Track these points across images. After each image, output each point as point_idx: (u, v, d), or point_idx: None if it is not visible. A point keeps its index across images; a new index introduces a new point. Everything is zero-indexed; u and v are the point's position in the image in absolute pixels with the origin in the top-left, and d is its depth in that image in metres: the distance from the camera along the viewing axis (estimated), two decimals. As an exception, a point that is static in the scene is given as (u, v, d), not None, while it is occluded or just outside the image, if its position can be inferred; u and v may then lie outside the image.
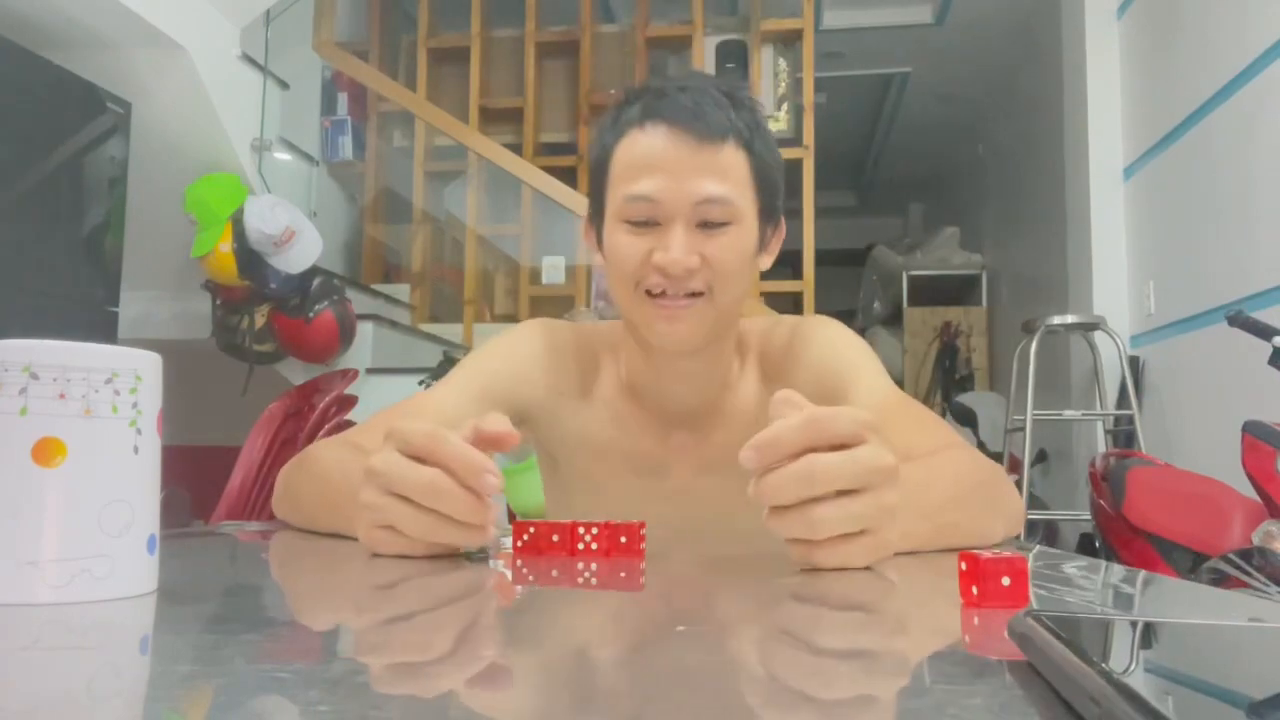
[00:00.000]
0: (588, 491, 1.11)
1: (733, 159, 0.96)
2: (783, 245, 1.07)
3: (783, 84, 4.17)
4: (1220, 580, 1.99)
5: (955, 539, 0.73)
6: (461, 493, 0.62)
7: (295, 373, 3.38)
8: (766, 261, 1.05)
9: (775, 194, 1.02)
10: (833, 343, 1.06)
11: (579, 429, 1.08)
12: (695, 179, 0.95)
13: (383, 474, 0.64)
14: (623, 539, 0.66)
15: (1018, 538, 0.85)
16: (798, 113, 4.04)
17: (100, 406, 0.44)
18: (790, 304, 4.39)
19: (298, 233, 3.16)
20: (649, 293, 0.97)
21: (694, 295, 0.96)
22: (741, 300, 1.02)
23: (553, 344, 1.08)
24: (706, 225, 0.96)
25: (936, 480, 0.78)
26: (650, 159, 0.96)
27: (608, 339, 1.12)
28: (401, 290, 4.13)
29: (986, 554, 0.48)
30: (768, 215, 1.02)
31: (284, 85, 3.62)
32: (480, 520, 0.63)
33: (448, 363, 3.25)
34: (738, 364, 1.09)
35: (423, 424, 0.64)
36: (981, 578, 0.47)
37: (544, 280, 4.09)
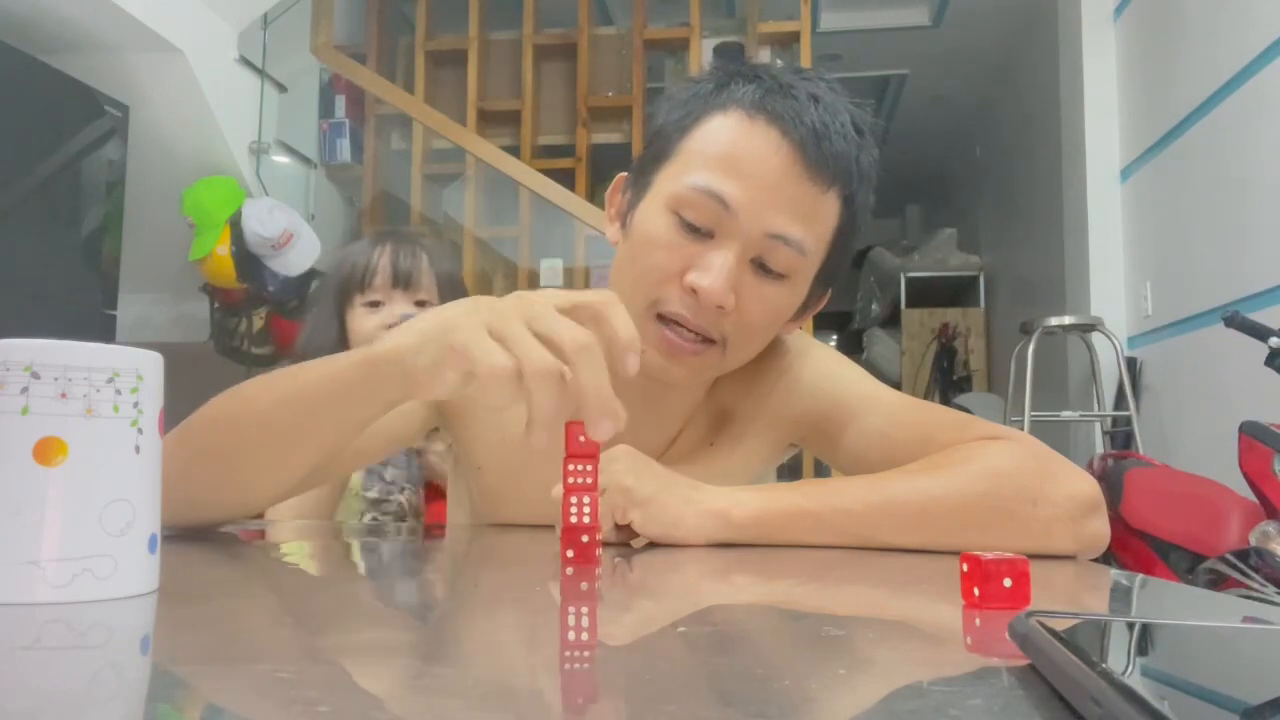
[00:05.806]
0: (514, 500, 0.94)
1: (829, 208, 0.82)
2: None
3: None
4: (1218, 581, 2.00)
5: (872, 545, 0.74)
6: (604, 368, 0.57)
7: (293, 375, 3.38)
8: (792, 328, 0.91)
9: (845, 261, 0.88)
10: (821, 363, 0.94)
11: (515, 425, 0.92)
12: (782, 209, 0.79)
13: (534, 314, 0.57)
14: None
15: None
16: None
17: (102, 406, 0.44)
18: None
19: (296, 235, 3.16)
20: (660, 315, 0.81)
21: (706, 341, 0.82)
22: (751, 358, 0.89)
23: None
24: (761, 267, 0.81)
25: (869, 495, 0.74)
26: (744, 157, 0.79)
27: None
28: (399, 293, 4.12)
29: (988, 556, 0.48)
30: (824, 280, 0.88)
31: (282, 88, 3.63)
32: (610, 406, 0.57)
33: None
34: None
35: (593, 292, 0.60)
36: (983, 579, 0.47)
37: (542, 283, 4.08)
